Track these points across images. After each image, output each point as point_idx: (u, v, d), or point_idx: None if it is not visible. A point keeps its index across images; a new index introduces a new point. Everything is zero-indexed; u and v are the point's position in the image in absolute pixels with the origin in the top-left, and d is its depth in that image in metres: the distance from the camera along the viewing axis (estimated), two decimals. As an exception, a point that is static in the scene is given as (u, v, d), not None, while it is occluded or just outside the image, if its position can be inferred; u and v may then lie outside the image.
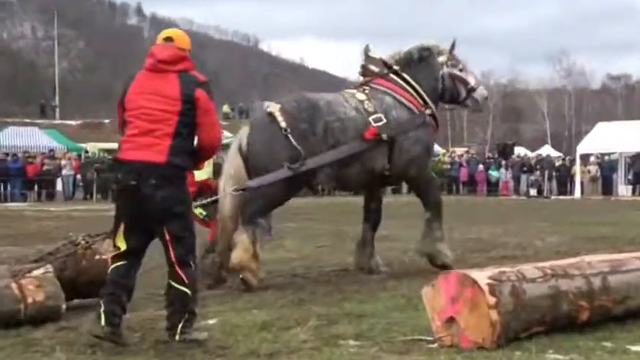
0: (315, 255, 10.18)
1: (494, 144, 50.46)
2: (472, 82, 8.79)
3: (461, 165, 34.78)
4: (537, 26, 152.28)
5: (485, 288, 4.69)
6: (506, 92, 79.32)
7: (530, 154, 40.59)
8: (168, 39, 5.14)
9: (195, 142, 5.09)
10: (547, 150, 45.24)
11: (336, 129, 7.66)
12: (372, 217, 8.53)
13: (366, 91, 8.17)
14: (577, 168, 31.92)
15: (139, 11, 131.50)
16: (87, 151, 37.02)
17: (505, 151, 35.22)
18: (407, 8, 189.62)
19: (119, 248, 4.93)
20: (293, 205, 20.12)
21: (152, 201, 4.78)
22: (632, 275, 5.38)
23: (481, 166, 33.98)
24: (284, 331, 5.23)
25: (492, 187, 33.23)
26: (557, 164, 33.98)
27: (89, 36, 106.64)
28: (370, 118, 7.84)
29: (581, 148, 32.73)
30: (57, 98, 69.15)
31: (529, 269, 5.07)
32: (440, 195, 8.72)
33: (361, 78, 8.56)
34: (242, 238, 7.24)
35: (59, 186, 30.68)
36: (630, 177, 31.72)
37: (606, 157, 32.97)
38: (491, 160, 35.46)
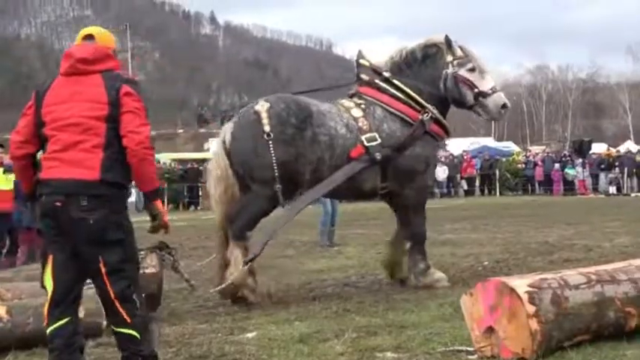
0: (374, 262, 10.00)
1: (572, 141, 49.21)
2: (484, 86, 7.66)
3: (536, 164, 34.01)
4: (619, 18, 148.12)
5: (524, 296, 4.51)
6: (586, 87, 77.39)
7: (612, 151, 39.23)
8: (88, 37, 4.40)
9: None
10: (629, 146, 43.83)
11: (323, 143, 7.21)
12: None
13: (362, 106, 7.58)
14: (658, 164, 30.82)
15: (213, 20, 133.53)
16: (158, 162, 37.54)
17: (582, 149, 34.23)
18: (485, 5, 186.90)
19: (47, 290, 4.16)
20: (359, 210, 20.20)
21: (83, 226, 3.98)
22: (686, 279, 5.09)
23: (557, 165, 33.12)
24: (321, 344, 5.16)
25: (569, 185, 32.36)
26: (637, 160, 32.83)
27: (164, 47, 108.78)
28: (363, 137, 7.32)
29: (663, 143, 31.62)
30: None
31: (572, 275, 4.87)
32: (424, 226, 7.78)
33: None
34: (235, 255, 7.02)
35: (133, 197, 31.25)
36: None
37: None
38: (567, 158, 34.54)
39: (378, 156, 7.29)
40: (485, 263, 9.34)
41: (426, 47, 7.84)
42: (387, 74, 7.74)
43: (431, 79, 7.76)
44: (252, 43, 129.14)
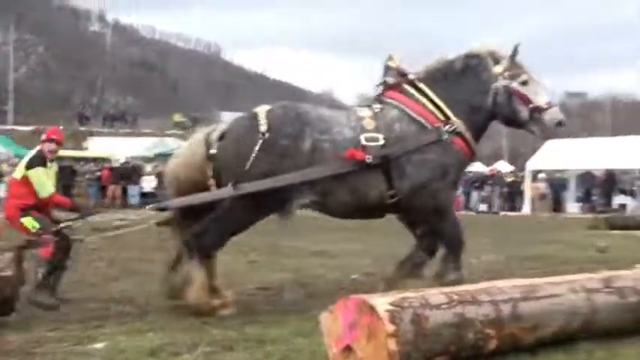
0: (243, 271, 9.81)
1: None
2: (540, 100, 6.93)
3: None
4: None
5: (384, 315, 4.38)
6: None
7: (494, 169, 40.40)
8: None
9: None
10: (502, 165, 45.33)
11: (326, 150, 6.57)
12: (424, 243, 7.26)
13: (375, 109, 6.94)
14: (526, 184, 32.00)
15: (102, 18, 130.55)
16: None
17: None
18: (373, 22, 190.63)
19: None
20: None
21: None
22: (544, 302, 5.10)
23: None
24: (172, 357, 4.90)
25: (443, 202, 33.00)
26: (508, 180, 34.01)
27: (50, 41, 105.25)
28: (362, 136, 6.66)
29: (531, 165, 32.81)
30: (10, 103, 67.97)
31: (434, 294, 4.78)
32: (459, 232, 7.02)
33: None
34: (197, 276, 6.38)
35: (1, 192, 29.92)
36: (579, 194, 31.87)
37: (557, 175, 33.14)
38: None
39: (368, 159, 6.58)
40: (355, 276, 9.25)
41: (467, 58, 7.16)
42: (412, 77, 7.12)
43: (470, 92, 7.05)
44: (140, 44, 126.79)
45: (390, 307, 4.43)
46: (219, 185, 6.57)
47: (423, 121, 6.86)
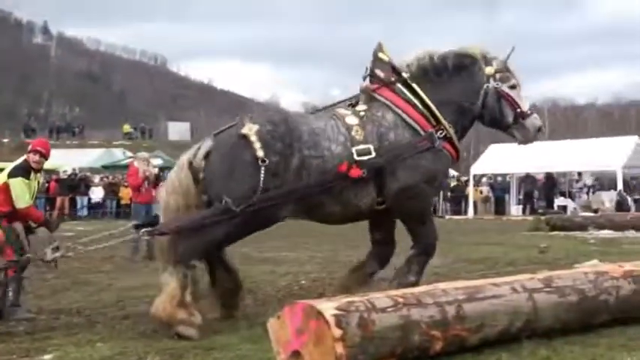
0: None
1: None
2: (525, 105, 6.97)
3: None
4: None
5: (331, 320, 4.45)
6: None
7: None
8: None
9: None
10: (446, 170, 45.83)
11: (315, 167, 6.32)
12: (378, 250, 7.12)
13: (361, 113, 6.69)
14: (470, 188, 32.47)
15: (46, 30, 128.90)
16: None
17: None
18: (315, 32, 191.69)
19: None
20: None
21: None
22: (488, 302, 5.21)
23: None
24: (122, 367, 4.90)
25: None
26: (452, 184, 34.47)
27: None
28: (354, 149, 6.42)
29: (475, 169, 33.29)
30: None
31: (380, 298, 4.87)
32: (435, 238, 6.99)
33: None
34: (168, 283, 5.97)
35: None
36: (521, 197, 32.47)
37: (499, 178, 33.70)
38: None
39: (364, 172, 6.37)
40: (303, 282, 9.33)
41: (460, 57, 7.01)
42: (406, 75, 6.88)
43: (461, 93, 6.95)
44: (85, 55, 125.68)
45: (337, 312, 4.50)
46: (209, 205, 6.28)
47: (417, 127, 6.71)
